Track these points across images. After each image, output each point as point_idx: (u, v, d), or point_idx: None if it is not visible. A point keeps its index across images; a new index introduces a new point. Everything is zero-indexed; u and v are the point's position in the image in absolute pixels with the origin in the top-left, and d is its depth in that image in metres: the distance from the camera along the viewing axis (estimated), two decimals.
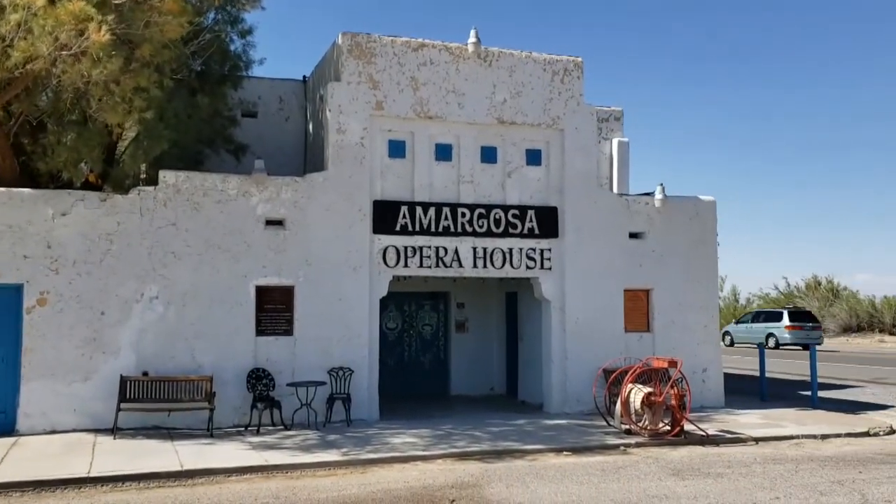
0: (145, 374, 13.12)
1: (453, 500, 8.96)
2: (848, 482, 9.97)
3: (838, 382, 22.02)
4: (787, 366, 26.82)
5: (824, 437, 13.33)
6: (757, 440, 12.95)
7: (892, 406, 17.35)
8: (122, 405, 12.54)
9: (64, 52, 10.57)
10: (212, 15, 15.39)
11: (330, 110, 14.48)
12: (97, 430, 12.70)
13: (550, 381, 15.66)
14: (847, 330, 43.37)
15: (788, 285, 50.23)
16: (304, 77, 17.69)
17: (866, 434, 13.64)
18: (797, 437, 13.21)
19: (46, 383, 12.70)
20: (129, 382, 12.80)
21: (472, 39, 15.32)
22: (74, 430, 12.70)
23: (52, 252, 12.90)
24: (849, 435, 13.52)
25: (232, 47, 15.94)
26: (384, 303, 16.05)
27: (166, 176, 13.58)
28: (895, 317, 42.83)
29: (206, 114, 14.67)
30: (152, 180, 13.90)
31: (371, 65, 14.73)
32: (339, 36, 14.82)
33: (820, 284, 48.24)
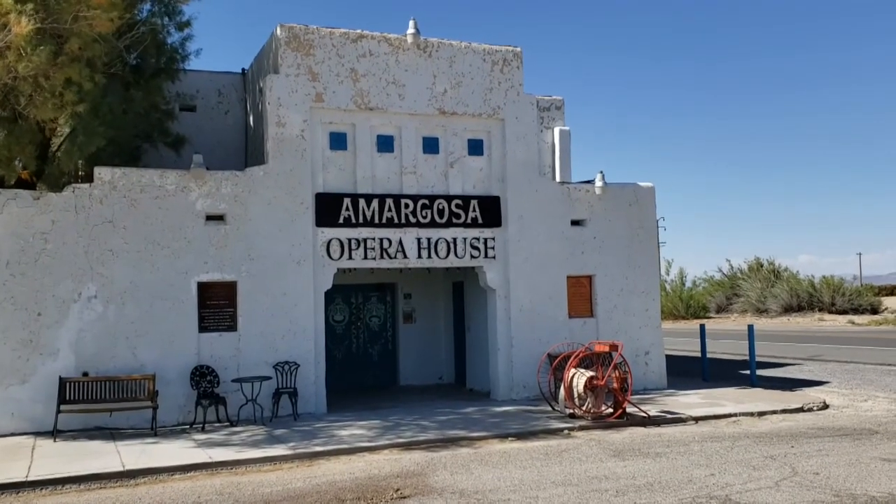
0: (85, 374, 12.91)
1: (398, 489, 9.03)
2: (780, 456, 10.32)
3: (778, 361, 22.70)
4: (730, 346, 27.54)
5: (761, 414, 13.74)
6: (696, 419, 13.31)
7: (828, 382, 17.95)
8: (62, 407, 12.33)
9: None
10: (147, 7, 15.10)
11: (269, 103, 14.36)
12: (37, 434, 12.48)
13: (497, 369, 15.83)
14: (788, 310, 44.56)
15: (732, 268, 51.47)
16: (244, 70, 17.49)
17: (801, 410, 14.10)
18: (735, 415, 13.60)
19: None
20: (68, 384, 12.58)
21: (410, 30, 15.33)
22: (13, 435, 12.45)
23: None
24: (784, 411, 13.96)
25: (169, 40, 15.66)
26: (330, 295, 16.04)
27: (102, 172, 13.33)
28: (833, 296, 44.13)
29: (141, 108, 14.43)
30: (89, 177, 13.63)
31: (310, 57, 14.64)
32: (277, 28, 14.70)
33: (762, 266, 49.47)
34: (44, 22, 10.89)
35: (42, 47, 10.95)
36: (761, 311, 45.48)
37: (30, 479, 9.73)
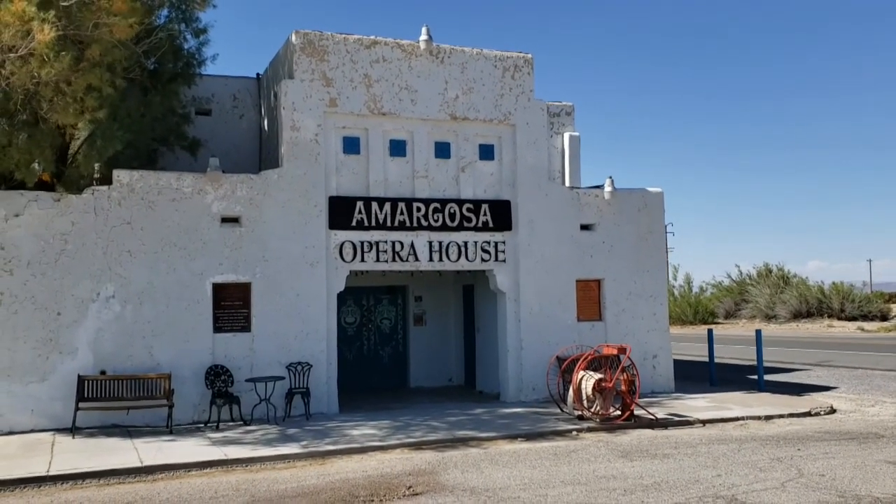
0: (103, 373, 13.16)
1: (410, 487, 9.23)
2: (787, 459, 10.47)
3: (786, 366, 22.80)
4: (739, 352, 27.63)
5: (768, 417, 13.88)
6: (704, 422, 13.46)
7: (836, 387, 18.05)
8: (81, 404, 12.59)
9: (12, 55, 10.57)
10: (164, 13, 15.39)
11: (284, 108, 14.61)
12: (56, 430, 12.73)
13: (506, 371, 16.01)
14: (797, 316, 44.51)
15: (741, 273, 51.42)
16: (258, 74, 17.76)
17: (808, 414, 14.23)
18: (742, 418, 13.74)
19: (2, 385, 12.68)
20: (86, 382, 12.84)
21: (423, 37, 15.56)
22: (33, 431, 12.72)
23: (6, 253, 12.87)
24: (791, 415, 14.09)
25: (186, 45, 15.94)
26: (342, 297, 16.26)
27: (120, 175, 13.61)
28: (843, 302, 44.07)
29: (159, 112, 14.69)
30: (107, 179, 13.91)
31: (324, 62, 14.89)
32: (293, 34, 14.95)
33: (771, 272, 49.40)
34: (66, 29, 11.15)
35: (64, 53, 11.21)
36: (770, 317, 45.46)
37: (51, 473, 9.98)
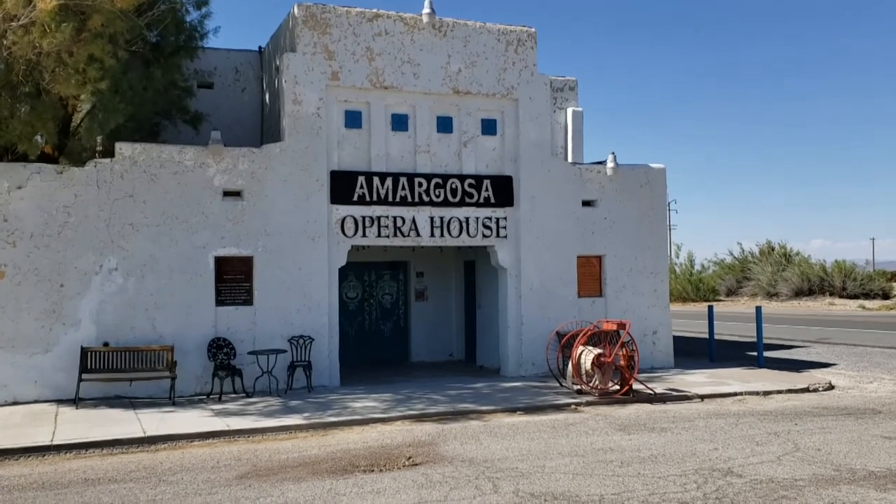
0: (106, 344, 13.26)
1: (409, 457, 9.34)
2: (783, 433, 10.56)
3: (786, 343, 22.88)
4: (739, 328, 27.71)
5: (766, 393, 13.97)
6: (702, 397, 13.55)
7: (834, 364, 18.13)
8: (84, 376, 12.70)
9: (13, 24, 10.54)
10: None
11: (286, 81, 14.57)
12: (59, 401, 12.86)
13: (507, 346, 16.10)
14: (799, 294, 44.57)
15: (743, 251, 51.42)
16: (260, 48, 17.69)
17: (806, 390, 14.32)
18: (741, 393, 13.83)
19: (6, 356, 12.79)
20: (89, 353, 12.94)
21: (426, 10, 15.48)
22: (36, 402, 12.84)
23: (9, 225, 12.92)
24: (790, 391, 14.17)
25: (188, 18, 15.86)
26: (344, 272, 16.32)
27: (123, 148, 13.62)
28: (845, 280, 44.10)
29: (161, 85, 14.64)
30: (109, 152, 13.92)
31: (326, 35, 14.82)
32: (295, 6, 14.87)
33: (773, 250, 49.40)
34: None
35: (65, 24, 11.19)
36: (772, 295, 45.52)
37: (55, 443, 10.11)
